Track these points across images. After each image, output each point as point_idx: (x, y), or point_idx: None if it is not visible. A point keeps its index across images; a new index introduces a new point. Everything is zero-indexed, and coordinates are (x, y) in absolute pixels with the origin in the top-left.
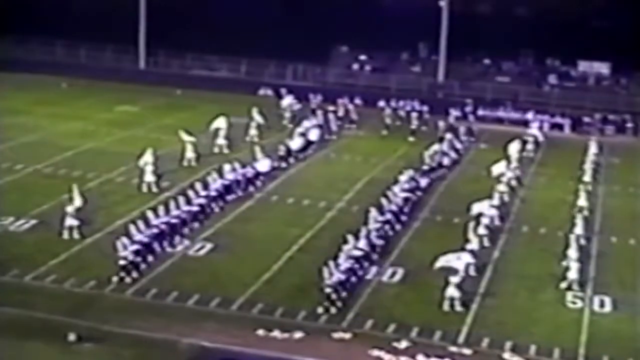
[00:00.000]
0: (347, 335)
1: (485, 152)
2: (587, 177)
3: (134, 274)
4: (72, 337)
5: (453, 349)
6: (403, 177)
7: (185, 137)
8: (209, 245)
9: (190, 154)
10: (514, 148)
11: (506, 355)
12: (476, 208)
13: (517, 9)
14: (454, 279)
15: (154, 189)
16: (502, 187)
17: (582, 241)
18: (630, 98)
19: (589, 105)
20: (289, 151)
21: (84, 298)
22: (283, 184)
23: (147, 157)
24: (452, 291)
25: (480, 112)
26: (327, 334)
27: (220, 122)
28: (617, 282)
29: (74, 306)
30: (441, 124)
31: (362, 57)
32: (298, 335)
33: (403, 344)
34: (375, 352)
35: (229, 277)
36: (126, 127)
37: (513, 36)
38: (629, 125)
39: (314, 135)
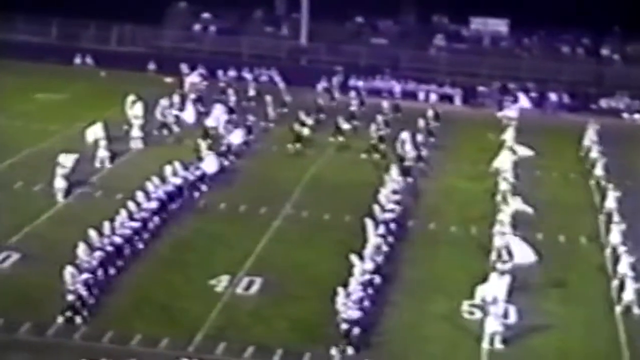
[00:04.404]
0: None
1: None
2: (599, 171)
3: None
4: None
5: None
6: (389, 177)
7: (98, 132)
8: (15, 256)
9: (103, 152)
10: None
11: None
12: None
13: None
14: (495, 309)
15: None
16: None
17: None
18: (533, 62)
19: (484, 72)
20: (229, 146)
21: None
22: (110, 176)
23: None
24: (492, 325)
25: (352, 82)
26: None
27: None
28: (523, 287)
29: None
30: (385, 104)
31: (206, 16)
32: None
33: None
34: None
35: (42, 295)
36: None
37: None
38: (533, 95)
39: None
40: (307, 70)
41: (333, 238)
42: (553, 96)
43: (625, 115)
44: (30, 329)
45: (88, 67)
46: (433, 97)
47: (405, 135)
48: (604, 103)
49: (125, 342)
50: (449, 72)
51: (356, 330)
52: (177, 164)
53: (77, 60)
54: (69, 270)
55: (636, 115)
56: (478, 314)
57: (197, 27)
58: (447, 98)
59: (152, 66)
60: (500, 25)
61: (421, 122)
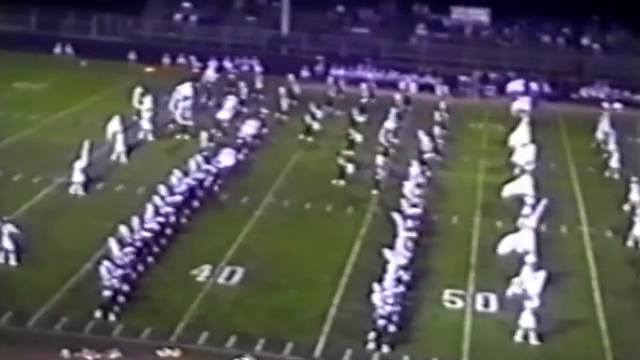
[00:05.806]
0: (176, 353)
1: None
2: (614, 163)
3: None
4: None
5: None
6: (414, 170)
7: (116, 126)
8: None
9: (120, 146)
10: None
11: None
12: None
13: None
14: (530, 304)
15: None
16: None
17: None
18: (513, 51)
19: (465, 62)
20: (244, 140)
21: None
22: (92, 167)
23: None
24: (527, 320)
25: (334, 72)
26: (150, 351)
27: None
28: (502, 276)
29: None
30: (397, 96)
31: (186, 5)
32: (114, 355)
33: None
34: None
35: (23, 285)
36: None
37: None
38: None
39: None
40: (288, 59)
41: (311, 227)
42: (534, 85)
43: (605, 104)
44: (10, 319)
45: (68, 57)
46: (413, 86)
47: (390, 124)
48: (584, 92)
49: (107, 332)
50: (430, 61)
51: (392, 327)
52: (199, 158)
53: (57, 49)
54: (105, 265)
55: (616, 105)
56: (512, 307)
57: (177, 16)
58: (427, 87)
59: (132, 56)
60: (481, 15)
61: (437, 115)
